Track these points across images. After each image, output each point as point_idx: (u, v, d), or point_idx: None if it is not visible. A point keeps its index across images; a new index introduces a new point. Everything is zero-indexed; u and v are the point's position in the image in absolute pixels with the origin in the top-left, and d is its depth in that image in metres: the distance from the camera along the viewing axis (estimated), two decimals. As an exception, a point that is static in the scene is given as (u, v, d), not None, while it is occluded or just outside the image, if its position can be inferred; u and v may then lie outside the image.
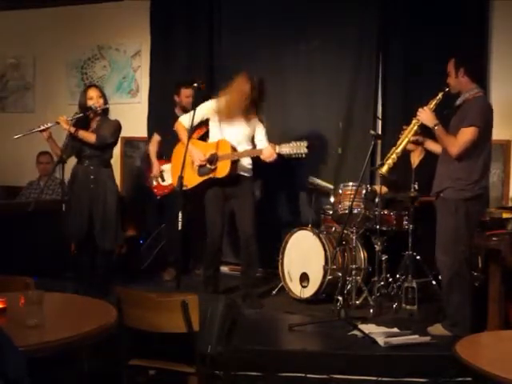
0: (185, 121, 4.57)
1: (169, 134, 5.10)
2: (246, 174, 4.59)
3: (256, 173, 4.75)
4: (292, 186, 5.61)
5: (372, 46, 5.42)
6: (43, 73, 6.74)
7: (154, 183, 5.39)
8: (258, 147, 4.57)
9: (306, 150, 4.26)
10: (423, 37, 5.21)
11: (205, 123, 4.71)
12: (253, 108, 4.50)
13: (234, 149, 4.51)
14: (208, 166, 4.53)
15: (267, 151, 4.36)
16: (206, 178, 4.54)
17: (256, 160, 4.58)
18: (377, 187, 4.67)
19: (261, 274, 5.40)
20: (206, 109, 4.57)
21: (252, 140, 4.63)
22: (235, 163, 4.49)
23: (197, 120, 4.48)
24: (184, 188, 4.35)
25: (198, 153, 4.54)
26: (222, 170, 4.47)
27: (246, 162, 4.58)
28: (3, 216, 4.61)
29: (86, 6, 6.47)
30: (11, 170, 6.61)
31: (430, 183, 4.02)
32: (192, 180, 4.55)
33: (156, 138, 5.45)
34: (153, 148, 5.45)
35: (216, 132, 4.59)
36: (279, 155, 4.37)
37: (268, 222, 5.53)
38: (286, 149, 4.32)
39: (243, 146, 4.56)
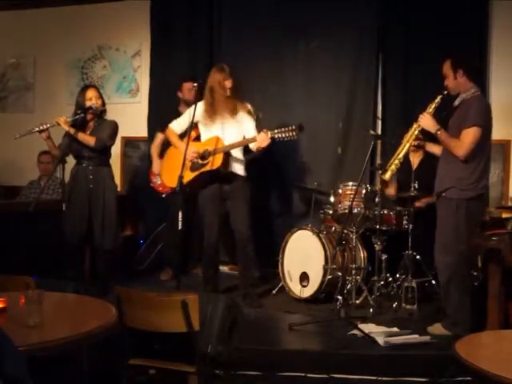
0: (174, 126, 4.67)
1: None
2: (240, 174, 4.59)
3: (256, 173, 4.75)
4: (292, 185, 5.61)
5: (372, 46, 5.42)
6: (43, 73, 6.74)
7: (159, 182, 5.36)
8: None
9: (296, 133, 4.25)
10: (423, 37, 5.21)
11: (196, 127, 4.72)
12: (234, 98, 4.51)
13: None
14: (200, 161, 4.53)
15: (260, 137, 4.34)
16: (198, 172, 4.53)
17: (250, 154, 4.59)
18: (382, 188, 4.66)
19: (261, 274, 5.40)
20: (190, 113, 4.54)
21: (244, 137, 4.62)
22: (228, 155, 4.49)
23: (183, 126, 4.58)
24: (174, 186, 4.39)
25: (189, 149, 4.54)
26: (216, 161, 4.47)
27: (240, 158, 4.58)
28: (3, 216, 4.61)
29: (85, 5, 6.47)
30: (11, 169, 6.61)
31: (430, 183, 4.02)
32: (185, 176, 4.55)
33: (160, 136, 5.42)
34: (155, 147, 5.45)
35: (207, 133, 4.60)
36: (273, 140, 4.34)
37: (268, 221, 5.54)
38: (278, 134, 4.31)
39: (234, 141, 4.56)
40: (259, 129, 4.51)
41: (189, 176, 4.55)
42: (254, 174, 4.77)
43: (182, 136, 4.67)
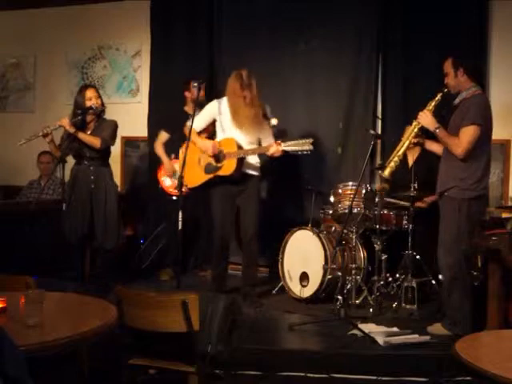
0: (195, 125, 4.60)
1: (177, 132, 5.13)
2: (253, 173, 4.60)
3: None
4: (291, 185, 5.61)
5: (372, 46, 5.43)
6: (43, 73, 6.74)
7: (169, 183, 5.32)
8: (264, 144, 4.57)
9: (311, 147, 4.24)
10: (423, 37, 5.22)
11: (212, 123, 4.72)
12: (255, 106, 4.46)
13: (239, 147, 4.50)
14: (214, 163, 4.53)
15: (272, 149, 4.36)
16: (211, 175, 4.55)
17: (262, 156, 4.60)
18: (377, 184, 4.67)
19: (266, 274, 5.40)
20: (211, 110, 4.58)
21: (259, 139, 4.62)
22: (241, 161, 4.49)
23: (203, 123, 4.57)
24: (190, 186, 4.49)
25: (209, 144, 4.54)
26: (228, 167, 4.47)
27: (254, 160, 4.59)
28: (3, 216, 4.61)
29: (86, 5, 6.47)
30: (11, 169, 6.61)
31: (426, 181, 4.01)
32: (198, 178, 4.57)
33: (164, 135, 5.38)
34: (160, 146, 5.39)
35: (222, 131, 4.59)
36: (284, 152, 4.36)
37: (268, 221, 5.53)
38: (291, 147, 4.31)
39: (250, 146, 4.56)
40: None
41: (203, 178, 4.57)
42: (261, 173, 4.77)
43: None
